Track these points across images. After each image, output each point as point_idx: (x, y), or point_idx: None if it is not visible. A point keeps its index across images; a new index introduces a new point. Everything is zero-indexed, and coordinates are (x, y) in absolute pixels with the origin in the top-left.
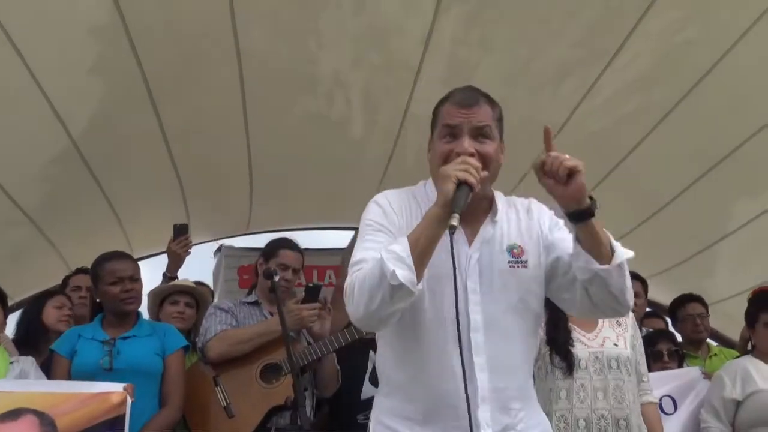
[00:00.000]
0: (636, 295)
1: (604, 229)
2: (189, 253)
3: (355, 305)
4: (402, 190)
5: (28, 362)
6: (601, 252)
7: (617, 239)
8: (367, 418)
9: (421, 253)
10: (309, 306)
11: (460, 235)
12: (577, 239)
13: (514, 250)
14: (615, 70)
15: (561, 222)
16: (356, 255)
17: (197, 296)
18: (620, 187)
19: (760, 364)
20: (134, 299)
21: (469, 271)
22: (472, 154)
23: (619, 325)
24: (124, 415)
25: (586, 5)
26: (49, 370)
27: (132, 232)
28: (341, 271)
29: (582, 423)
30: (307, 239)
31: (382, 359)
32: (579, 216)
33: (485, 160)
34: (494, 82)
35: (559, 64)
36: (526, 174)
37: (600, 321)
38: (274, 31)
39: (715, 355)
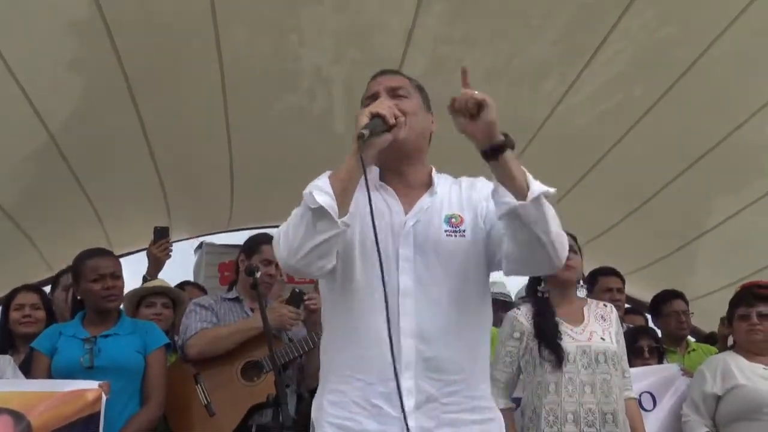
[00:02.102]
0: (618, 290)
1: (522, 167)
2: (169, 256)
3: (281, 248)
4: None
5: (5, 361)
6: (515, 187)
7: (597, 235)
8: None
9: (341, 185)
10: (291, 308)
11: (396, 203)
12: (495, 178)
13: (453, 220)
14: (595, 67)
15: None
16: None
17: (173, 297)
18: (600, 183)
19: (740, 359)
20: (116, 297)
21: (402, 238)
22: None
23: (604, 320)
24: (99, 412)
25: (566, 3)
26: (29, 367)
27: (111, 229)
28: None
29: (570, 417)
30: None
31: (323, 341)
32: (492, 152)
33: (404, 113)
34: (475, 79)
35: (540, 61)
36: None
37: (586, 315)
38: (255, 27)
39: (693, 350)
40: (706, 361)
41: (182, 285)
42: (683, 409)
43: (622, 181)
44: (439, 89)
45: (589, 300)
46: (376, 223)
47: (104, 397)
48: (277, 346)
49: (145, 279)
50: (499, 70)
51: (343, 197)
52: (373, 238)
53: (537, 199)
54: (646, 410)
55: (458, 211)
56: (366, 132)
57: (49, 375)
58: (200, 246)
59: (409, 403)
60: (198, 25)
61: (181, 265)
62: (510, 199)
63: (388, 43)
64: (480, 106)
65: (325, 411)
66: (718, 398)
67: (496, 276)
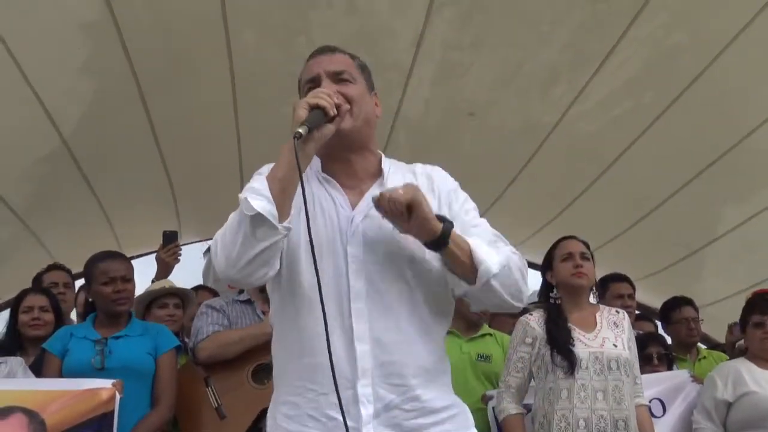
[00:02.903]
0: (629, 296)
1: (467, 245)
2: (178, 261)
3: (219, 256)
4: None
5: (17, 363)
6: (465, 271)
7: (606, 242)
8: None
9: (279, 185)
10: None
11: (341, 197)
12: (445, 266)
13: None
14: (605, 74)
15: (471, 205)
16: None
17: (183, 297)
18: (610, 190)
19: (752, 366)
20: (126, 300)
21: (350, 235)
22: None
23: (617, 326)
24: (113, 411)
25: (576, 10)
26: (40, 369)
27: (122, 231)
28: None
29: (582, 423)
30: None
31: (273, 347)
32: (435, 245)
33: (349, 100)
34: (485, 85)
35: (549, 68)
36: (515, 177)
37: (598, 321)
38: (265, 30)
39: (704, 358)
40: (717, 367)
41: (195, 289)
42: (694, 416)
43: (632, 188)
44: (449, 94)
45: (601, 306)
46: (322, 220)
47: (118, 396)
48: None
49: (153, 283)
50: (508, 76)
51: (282, 199)
52: (320, 239)
53: (486, 284)
54: (655, 417)
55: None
56: (303, 131)
57: (60, 376)
58: (209, 249)
59: (367, 411)
60: (208, 27)
61: (190, 269)
62: (464, 284)
63: (397, 48)
64: (409, 207)
65: (279, 425)
66: (729, 405)
67: None
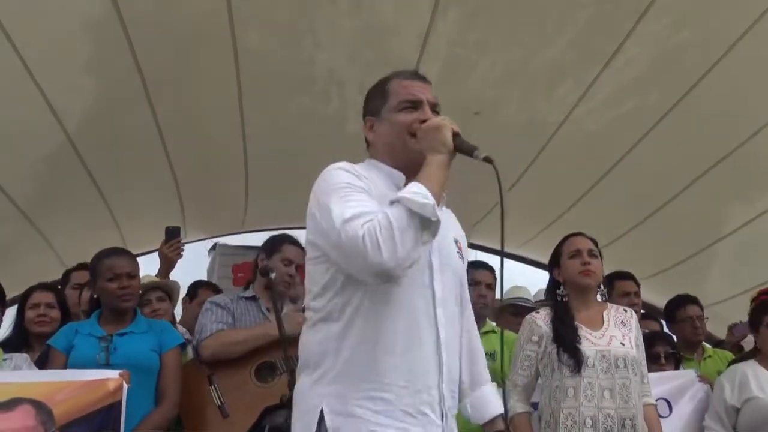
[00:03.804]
0: (635, 294)
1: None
2: (181, 256)
3: (385, 251)
4: (356, 165)
5: (22, 359)
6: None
7: (611, 241)
8: None
9: (436, 196)
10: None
11: None
12: None
13: (459, 243)
14: (611, 72)
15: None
16: (349, 210)
17: (166, 290)
18: (615, 188)
19: (760, 369)
20: (131, 296)
21: (433, 249)
22: None
23: (624, 325)
24: (120, 401)
25: (582, 8)
26: (44, 365)
27: (126, 228)
28: None
29: (589, 422)
30: (301, 238)
31: (336, 342)
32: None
33: None
34: (490, 83)
35: (554, 66)
36: (521, 175)
37: (606, 320)
38: (270, 28)
39: (710, 356)
40: (727, 371)
41: (195, 285)
42: (706, 421)
43: (637, 187)
44: (454, 93)
45: (609, 304)
46: None
47: (125, 386)
48: (292, 350)
49: None
50: (513, 75)
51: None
52: None
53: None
54: (662, 416)
55: (457, 236)
56: (483, 153)
57: None
58: (214, 247)
59: (446, 409)
60: (214, 25)
61: (194, 267)
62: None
63: (403, 46)
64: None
65: (366, 420)
66: (737, 410)
67: (521, 282)
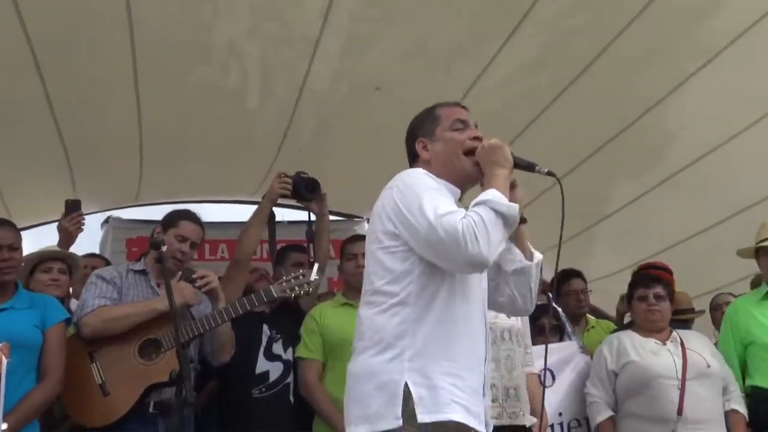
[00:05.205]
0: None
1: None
2: (81, 230)
3: (482, 243)
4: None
5: None
6: (524, 250)
7: None
8: (263, 393)
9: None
10: (191, 286)
11: None
12: (510, 238)
13: None
14: (507, 53)
15: None
16: (442, 207)
17: (69, 262)
18: None
19: (635, 336)
20: (12, 269)
21: None
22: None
23: None
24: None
25: None
26: None
27: (11, 200)
28: (237, 246)
29: None
30: (201, 212)
31: (414, 325)
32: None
33: None
34: (392, 59)
35: (455, 44)
36: None
37: None
38: None
39: (593, 327)
40: (605, 339)
41: (90, 257)
42: (587, 388)
43: None
44: (356, 67)
45: None
46: None
47: (4, 361)
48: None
49: None
50: (414, 51)
51: None
52: None
53: (538, 263)
54: (546, 386)
55: None
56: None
57: None
58: (107, 220)
59: (486, 389)
60: None
61: (87, 240)
62: (522, 258)
63: (305, 19)
64: (511, 185)
65: (449, 390)
66: (616, 375)
67: None
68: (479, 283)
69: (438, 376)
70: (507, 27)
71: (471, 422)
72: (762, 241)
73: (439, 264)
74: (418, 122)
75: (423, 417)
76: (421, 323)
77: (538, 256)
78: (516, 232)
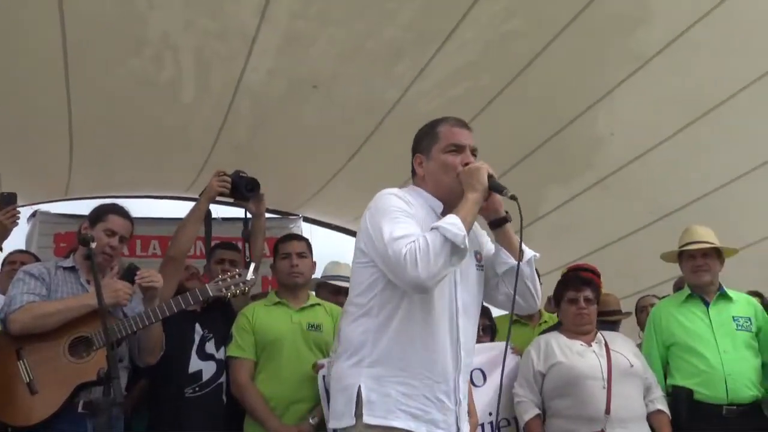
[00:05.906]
0: None
1: (515, 235)
2: (16, 224)
3: (420, 268)
4: (402, 190)
5: None
6: (512, 249)
7: None
8: (196, 392)
9: (467, 227)
10: (126, 283)
11: None
12: (497, 241)
13: (477, 255)
14: (446, 54)
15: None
16: (397, 231)
17: None
18: None
19: (562, 337)
20: None
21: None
22: None
23: None
24: None
25: None
26: None
27: None
28: (172, 243)
29: None
30: (130, 208)
31: (374, 335)
32: (497, 223)
33: None
34: (329, 58)
35: (393, 45)
36: (357, 151)
37: None
38: None
39: (545, 322)
40: (533, 341)
41: (13, 254)
42: (515, 389)
43: None
44: (293, 65)
45: None
46: None
47: None
48: (110, 323)
49: None
50: (352, 50)
51: None
52: None
53: (530, 261)
54: (476, 386)
55: (477, 248)
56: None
57: None
58: (34, 214)
59: (460, 398)
60: None
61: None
62: (509, 260)
63: (241, 15)
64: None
65: (396, 399)
66: (543, 376)
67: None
68: (453, 297)
69: (390, 384)
70: (444, 29)
71: (420, 429)
72: (685, 245)
73: (394, 282)
74: (420, 136)
75: (368, 419)
76: (381, 334)
77: (529, 253)
78: (500, 233)
